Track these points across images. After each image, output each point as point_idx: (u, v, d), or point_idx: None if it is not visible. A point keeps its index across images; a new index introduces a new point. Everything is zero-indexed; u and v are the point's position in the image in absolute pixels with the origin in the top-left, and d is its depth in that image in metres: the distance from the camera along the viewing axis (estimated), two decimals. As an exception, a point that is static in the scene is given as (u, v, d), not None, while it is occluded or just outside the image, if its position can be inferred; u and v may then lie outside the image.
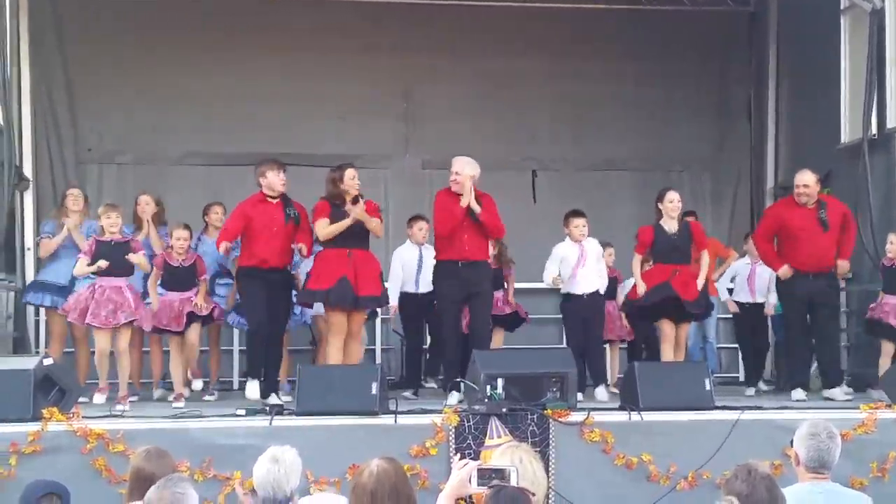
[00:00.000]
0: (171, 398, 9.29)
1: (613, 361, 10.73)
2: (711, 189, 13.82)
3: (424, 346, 10.68)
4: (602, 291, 9.93)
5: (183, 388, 9.36)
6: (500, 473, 3.97)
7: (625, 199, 13.29)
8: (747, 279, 10.46)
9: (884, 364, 9.42)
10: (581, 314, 9.71)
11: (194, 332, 9.43)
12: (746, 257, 10.59)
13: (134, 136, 12.82)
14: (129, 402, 8.77)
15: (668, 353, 9.49)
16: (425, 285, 10.07)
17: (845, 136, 11.43)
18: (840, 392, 9.25)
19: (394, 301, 10.08)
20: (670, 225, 9.61)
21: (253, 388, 8.90)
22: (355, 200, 8.79)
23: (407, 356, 10.57)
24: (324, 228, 8.75)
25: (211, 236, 10.07)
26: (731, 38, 13.74)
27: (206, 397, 9.75)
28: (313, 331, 10.52)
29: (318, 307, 9.38)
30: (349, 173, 8.93)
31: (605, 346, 10.49)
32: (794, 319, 9.63)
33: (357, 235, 8.82)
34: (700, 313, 9.77)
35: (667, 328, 9.51)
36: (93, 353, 9.24)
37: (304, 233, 9.03)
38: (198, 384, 9.68)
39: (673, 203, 9.63)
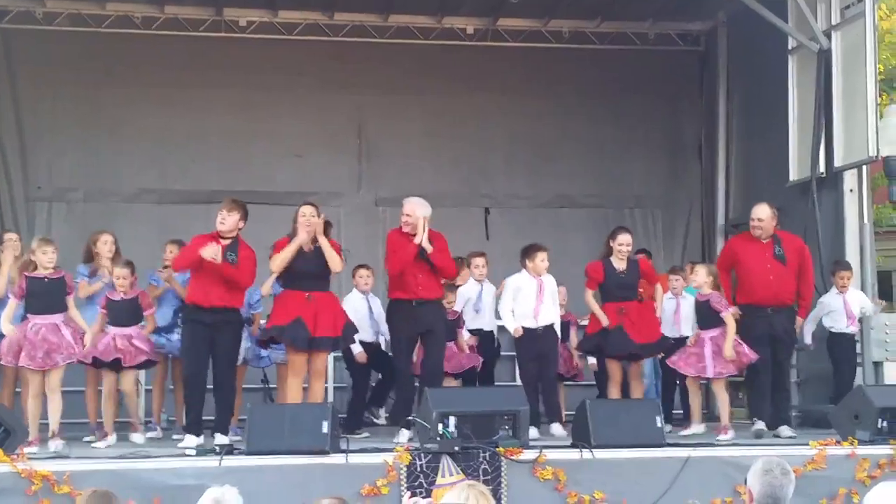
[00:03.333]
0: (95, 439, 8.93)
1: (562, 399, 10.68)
2: (663, 226, 13.92)
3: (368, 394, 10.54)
4: (556, 327, 9.86)
5: (111, 428, 8.92)
6: None
7: (578, 236, 13.33)
8: (673, 313, 10.39)
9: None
10: (537, 348, 9.59)
11: (129, 379, 9.05)
12: (669, 292, 10.51)
13: (84, 173, 12.72)
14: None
15: (613, 394, 9.60)
16: (374, 334, 10.06)
17: (794, 173, 11.54)
18: (787, 430, 9.27)
19: (358, 348, 9.96)
20: (619, 263, 9.69)
21: (190, 441, 8.45)
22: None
23: (351, 402, 10.40)
24: (273, 261, 8.73)
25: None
26: (683, 77, 13.93)
27: (174, 436, 9.56)
28: (265, 371, 10.41)
29: (282, 354, 9.33)
30: (301, 210, 8.89)
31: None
32: (759, 356, 9.37)
33: (316, 276, 8.78)
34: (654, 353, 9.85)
35: (614, 370, 9.62)
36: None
37: (239, 274, 8.67)
38: (139, 438, 9.14)
39: (623, 246, 9.71)
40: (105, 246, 9.67)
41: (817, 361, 10.47)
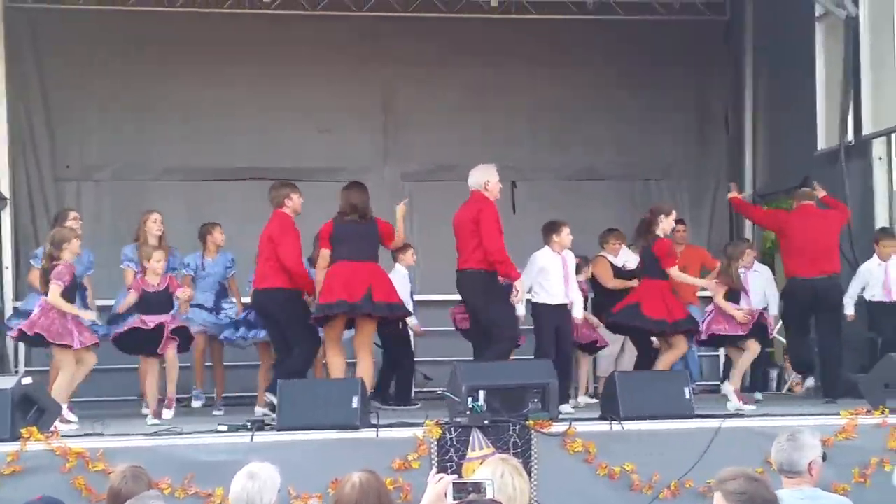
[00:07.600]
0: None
1: (584, 369, 10.68)
2: (690, 196, 13.82)
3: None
4: (576, 304, 9.73)
5: (155, 405, 9.08)
6: (477, 487, 3.91)
7: (604, 208, 13.26)
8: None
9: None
10: (554, 323, 9.43)
11: (172, 350, 9.13)
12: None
13: (112, 152, 12.73)
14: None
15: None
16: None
17: (822, 142, 11.47)
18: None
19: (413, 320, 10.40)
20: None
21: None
22: None
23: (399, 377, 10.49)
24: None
25: (210, 256, 10.13)
26: (708, 47, 13.77)
27: (214, 412, 9.68)
28: None
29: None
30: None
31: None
32: None
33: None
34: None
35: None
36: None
37: None
38: (168, 413, 9.09)
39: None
40: (155, 225, 9.81)
41: (847, 330, 10.42)
